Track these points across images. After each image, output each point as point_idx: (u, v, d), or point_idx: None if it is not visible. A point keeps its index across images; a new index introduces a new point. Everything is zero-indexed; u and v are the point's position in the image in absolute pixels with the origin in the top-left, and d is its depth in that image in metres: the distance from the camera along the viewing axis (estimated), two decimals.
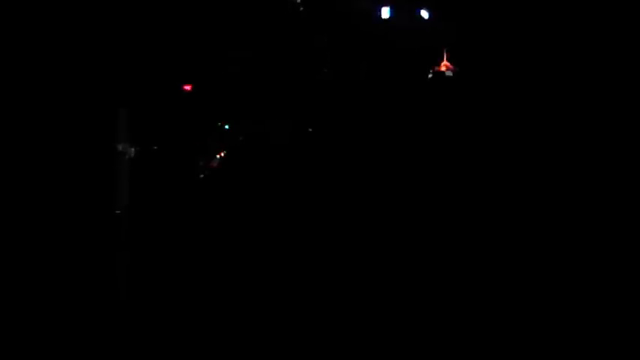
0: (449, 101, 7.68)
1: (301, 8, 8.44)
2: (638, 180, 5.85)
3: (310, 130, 9.57)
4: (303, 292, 5.81)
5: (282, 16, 8.32)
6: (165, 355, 4.75)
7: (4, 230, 4.77)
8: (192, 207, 7.85)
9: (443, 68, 7.81)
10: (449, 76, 7.67)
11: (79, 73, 5.17)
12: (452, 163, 7.39)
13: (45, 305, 4.75)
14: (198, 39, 8.15)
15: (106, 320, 4.88)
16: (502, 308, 5.33)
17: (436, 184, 7.33)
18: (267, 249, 6.89)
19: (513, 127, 6.92)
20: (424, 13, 8.03)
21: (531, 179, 6.64)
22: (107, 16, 5.39)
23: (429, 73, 7.80)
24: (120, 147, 5.21)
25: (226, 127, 9.35)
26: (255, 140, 10.14)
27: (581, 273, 5.56)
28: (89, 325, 4.78)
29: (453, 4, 7.59)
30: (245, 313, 5.32)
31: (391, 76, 8.15)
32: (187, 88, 7.78)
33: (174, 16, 7.51)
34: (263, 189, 8.88)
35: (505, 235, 6.22)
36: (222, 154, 9.87)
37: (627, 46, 6.20)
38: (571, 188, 6.33)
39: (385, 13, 8.18)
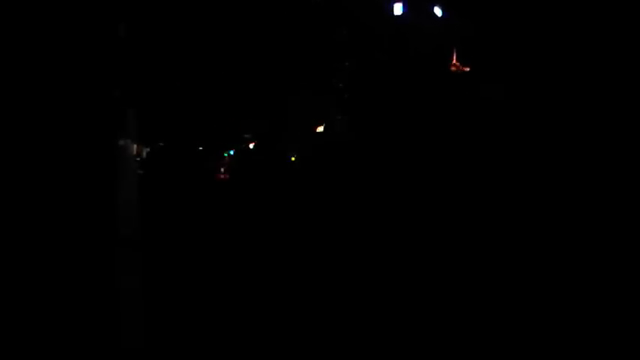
0: (458, 100, 7.64)
1: None
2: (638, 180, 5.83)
3: (323, 127, 9.53)
4: (306, 291, 5.83)
5: (301, 10, 8.29)
6: (167, 354, 4.77)
7: (4, 228, 4.78)
8: (197, 207, 7.86)
9: (452, 68, 7.76)
10: (458, 76, 7.63)
11: (81, 72, 5.16)
12: (459, 161, 7.38)
13: (45, 304, 4.77)
14: (214, 33, 8.15)
15: (106, 319, 4.90)
16: (502, 308, 5.34)
17: (443, 182, 7.32)
18: (268, 250, 6.90)
19: (521, 126, 6.89)
20: (437, 11, 7.97)
21: (540, 177, 6.62)
22: (115, 17, 5.39)
23: (439, 72, 7.77)
24: (123, 145, 5.21)
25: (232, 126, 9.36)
26: (266, 140, 10.12)
27: (581, 273, 5.58)
28: (89, 324, 4.80)
29: (465, 2, 7.52)
30: (247, 313, 5.34)
31: (402, 75, 8.11)
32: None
33: (188, 10, 7.49)
34: (271, 191, 8.89)
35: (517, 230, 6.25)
36: (232, 154, 9.87)
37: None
38: (578, 186, 6.31)
39: (398, 9, 8.10)
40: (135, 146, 7.87)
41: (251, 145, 11.39)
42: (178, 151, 8.51)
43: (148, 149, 7.99)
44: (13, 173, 4.81)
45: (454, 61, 7.67)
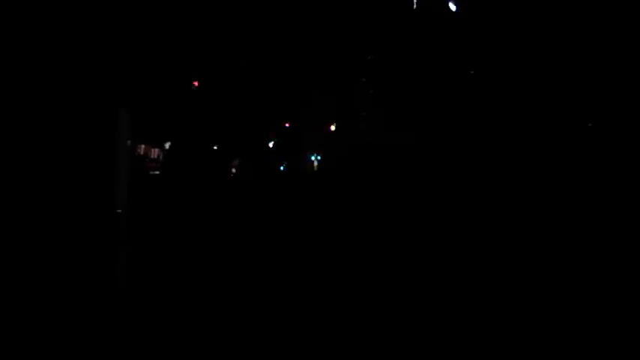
0: (470, 98, 7.55)
1: None
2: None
3: (334, 128, 9.48)
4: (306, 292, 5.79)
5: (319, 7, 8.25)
6: (166, 354, 4.76)
7: (6, 228, 4.81)
8: (202, 208, 7.86)
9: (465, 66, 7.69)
10: (470, 74, 7.53)
11: (85, 73, 5.18)
12: (470, 159, 7.31)
13: (46, 303, 4.78)
14: (231, 32, 8.14)
15: (106, 318, 4.90)
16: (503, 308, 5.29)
17: (452, 180, 7.24)
18: (269, 252, 6.88)
19: (531, 125, 6.80)
20: (452, 6, 7.90)
21: (554, 174, 6.53)
22: (126, 18, 5.40)
23: (450, 69, 7.68)
24: (125, 146, 5.21)
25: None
26: (284, 140, 10.11)
27: (583, 273, 5.51)
28: (89, 323, 4.81)
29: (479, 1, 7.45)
30: (246, 314, 5.31)
31: (415, 72, 8.05)
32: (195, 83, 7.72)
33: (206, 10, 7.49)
34: (281, 192, 8.88)
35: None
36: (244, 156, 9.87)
37: None
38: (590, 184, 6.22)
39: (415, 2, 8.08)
40: (142, 147, 7.93)
41: (270, 145, 11.37)
42: (193, 151, 8.51)
43: (157, 149, 8.02)
44: (14, 172, 4.83)
45: (467, 59, 7.61)
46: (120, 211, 5.09)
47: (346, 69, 9.02)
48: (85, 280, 4.90)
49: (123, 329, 4.84)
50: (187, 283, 5.77)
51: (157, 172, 7.69)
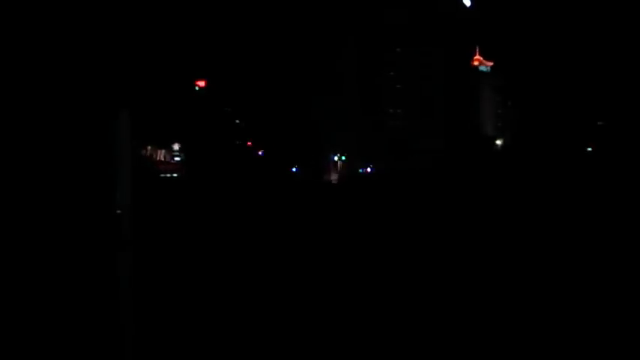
0: (481, 95, 7.44)
1: None
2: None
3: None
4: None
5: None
6: (167, 355, 4.74)
7: (7, 229, 4.83)
8: (205, 210, 7.83)
9: (476, 63, 7.55)
10: (482, 71, 7.43)
11: (86, 75, 5.19)
12: (481, 158, 7.19)
13: (46, 304, 4.78)
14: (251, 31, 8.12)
15: (106, 320, 4.89)
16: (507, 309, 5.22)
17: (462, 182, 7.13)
18: (268, 252, 6.84)
19: (545, 123, 6.67)
20: (466, 1, 7.88)
21: (566, 174, 6.41)
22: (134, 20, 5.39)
23: (463, 67, 7.58)
24: (127, 148, 5.18)
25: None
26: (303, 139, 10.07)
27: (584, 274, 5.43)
28: (89, 324, 4.80)
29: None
30: (247, 316, 5.29)
31: (425, 70, 7.98)
32: (201, 84, 7.66)
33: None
34: (287, 193, 8.83)
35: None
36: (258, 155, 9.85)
37: None
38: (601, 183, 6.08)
39: None
40: (149, 148, 7.93)
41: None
42: (206, 152, 8.51)
43: (163, 151, 8.01)
44: (14, 174, 4.85)
45: (477, 56, 7.50)
46: (120, 212, 5.05)
47: (373, 62, 9.00)
48: (82, 280, 4.91)
49: (121, 330, 4.82)
50: (193, 284, 5.76)
51: (168, 175, 7.68)
